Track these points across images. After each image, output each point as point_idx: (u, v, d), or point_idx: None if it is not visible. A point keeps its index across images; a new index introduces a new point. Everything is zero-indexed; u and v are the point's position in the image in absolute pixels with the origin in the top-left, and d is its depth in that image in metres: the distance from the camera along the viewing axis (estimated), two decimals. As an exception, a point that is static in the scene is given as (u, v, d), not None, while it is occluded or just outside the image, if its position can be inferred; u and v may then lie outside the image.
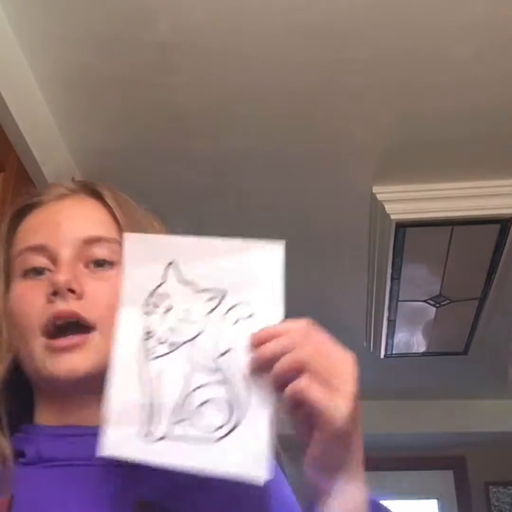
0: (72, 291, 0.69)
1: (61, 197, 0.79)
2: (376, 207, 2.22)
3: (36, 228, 0.76)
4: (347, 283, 2.66)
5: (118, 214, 0.76)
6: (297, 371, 0.57)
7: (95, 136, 1.94)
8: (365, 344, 3.08)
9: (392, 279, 2.52)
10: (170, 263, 0.62)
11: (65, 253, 0.72)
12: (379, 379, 3.42)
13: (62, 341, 0.68)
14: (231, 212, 2.29)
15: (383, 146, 2.01)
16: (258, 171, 2.11)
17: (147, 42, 1.64)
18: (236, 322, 0.60)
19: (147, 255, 0.63)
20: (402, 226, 2.25)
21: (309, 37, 1.64)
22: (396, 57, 1.69)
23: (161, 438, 0.57)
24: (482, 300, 2.69)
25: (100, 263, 0.73)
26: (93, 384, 0.67)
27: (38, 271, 0.73)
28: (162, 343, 0.60)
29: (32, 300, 0.71)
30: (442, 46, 1.67)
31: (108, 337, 0.67)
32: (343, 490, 0.60)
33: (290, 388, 0.57)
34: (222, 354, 0.59)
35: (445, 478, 3.86)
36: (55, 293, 0.69)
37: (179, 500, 0.65)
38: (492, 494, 3.77)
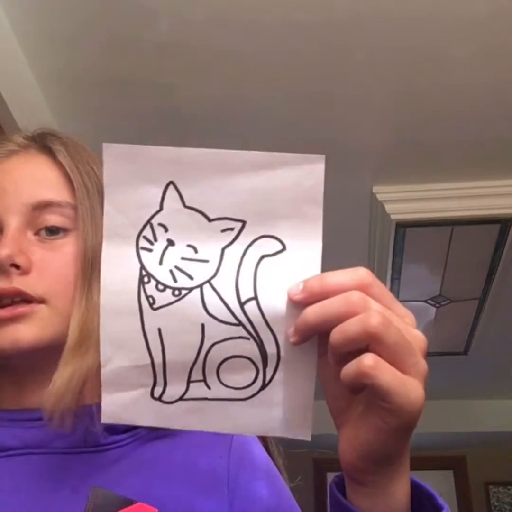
0: (16, 266, 0.63)
1: (9, 154, 0.70)
2: (376, 207, 2.22)
3: None
4: (347, 283, 2.66)
5: (71, 173, 0.67)
6: (361, 343, 0.44)
7: (95, 136, 1.94)
8: (365, 344, 3.08)
9: (392, 279, 2.53)
10: (168, 184, 0.49)
11: (12, 221, 0.65)
12: (379, 379, 3.42)
13: (4, 311, 0.62)
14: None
15: (383, 146, 2.01)
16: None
17: (147, 42, 1.64)
18: (260, 260, 0.48)
19: (136, 174, 0.48)
20: (402, 226, 2.25)
21: (309, 37, 1.63)
22: (396, 58, 1.69)
23: (178, 400, 0.49)
24: (482, 300, 2.69)
25: (52, 231, 0.65)
26: (44, 361, 0.62)
27: None
28: (163, 289, 0.48)
29: None
30: (442, 47, 1.67)
31: (58, 310, 0.63)
32: (387, 486, 0.49)
33: (351, 369, 0.44)
34: (245, 303, 0.48)
35: (445, 478, 3.87)
36: None
37: (137, 488, 0.60)
38: (492, 494, 3.77)
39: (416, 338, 0.47)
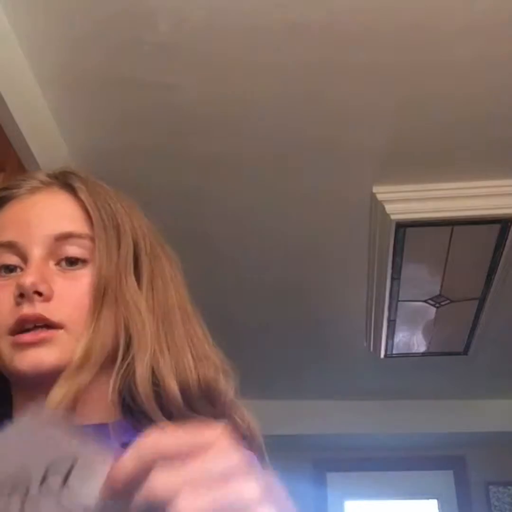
0: (39, 293, 0.68)
1: (33, 190, 0.77)
2: (376, 207, 2.22)
3: (6, 224, 0.74)
4: (347, 283, 2.66)
5: (90, 208, 0.74)
6: None
7: (95, 137, 1.94)
8: (365, 344, 3.07)
9: (392, 279, 2.52)
10: None
11: (36, 252, 0.71)
12: (379, 379, 3.41)
13: (28, 336, 0.67)
14: (231, 212, 2.29)
15: (383, 146, 2.01)
16: (258, 172, 2.10)
17: (147, 42, 1.64)
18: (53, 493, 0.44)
19: None
20: (402, 226, 2.25)
21: (308, 38, 1.64)
22: (396, 57, 1.69)
23: None
24: (482, 300, 2.69)
25: (72, 261, 0.72)
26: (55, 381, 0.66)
27: (9, 269, 0.71)
28: None
29: (1, 300, 0.70)
30: (442, 47, 1.67)
31: (75, 335, 0.68)
32: None
33: None
34: None
35: (445, 478, 3.86)
36: (22, 296, 0.68)
37: None
38: (492, 494, 3.77)
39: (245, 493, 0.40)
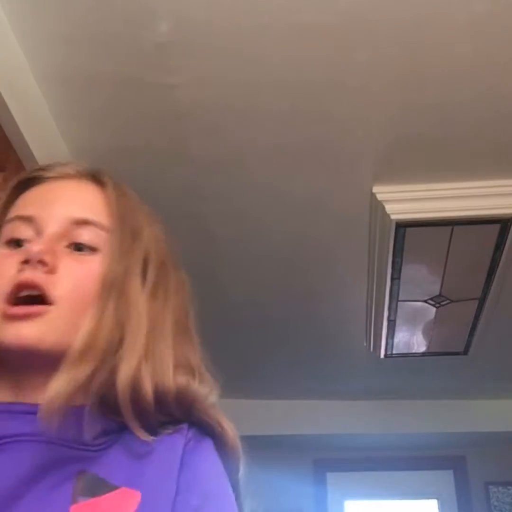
0: (44, 263, 0.69)
1: (64, 176, 0.79)
2: (376, 207, 2.22)
3: (32, 200, 0.76)
4: (347, 283, 2.67)
5: (114, 203, 0.76)
6: None
7: (95, 137, 1.94)
8: (365, 344, 3.08)
9: (392, 279, 2.52)
10: None
11: (51, 228, 0.73)
12: (379, 379, 3.42)
13: (17, 309, 0.67)
14: (232, 212, 2.29)
15: (383, 146, 2.01)
16: (258, 172, 2.10)
17: (147, 42, 1.64)
18: None
19: None
20: (402, 226, 2.25)
21: (309, 37, 1.64)
22: (396, 57, 1.69)
23: None
24: (482, 300, 2.69)
25: (80, 248, 0.73)
26: (43, 361, 0.66)
27: (18, 244, 0.73)
28: None
29: (4, 267, 0.70)
30: (442, 46, 1.67)
31: (66, 316, 0.68)
32: None
33: None
34: None
35: (445, 478, 3.86)
36: (27, 262, 0.69)
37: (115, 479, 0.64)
38: (492, 494, 3.77)
39: None
